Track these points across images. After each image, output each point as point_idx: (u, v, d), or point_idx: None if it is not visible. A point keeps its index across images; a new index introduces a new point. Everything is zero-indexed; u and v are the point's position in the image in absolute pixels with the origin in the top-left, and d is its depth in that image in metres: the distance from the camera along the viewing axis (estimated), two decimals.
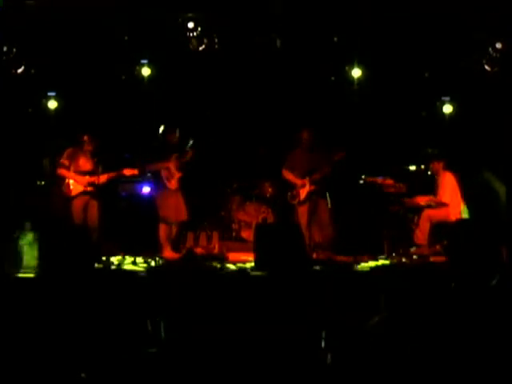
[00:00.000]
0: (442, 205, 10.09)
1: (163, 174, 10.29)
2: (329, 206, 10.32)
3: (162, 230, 10.29)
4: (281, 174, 10.98)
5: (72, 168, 10.10)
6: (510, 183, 8.33)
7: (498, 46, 10.57)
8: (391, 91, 11.93)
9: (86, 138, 10.19)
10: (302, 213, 9.90)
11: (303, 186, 10.21)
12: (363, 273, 9.11)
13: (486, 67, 10.70)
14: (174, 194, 10.31)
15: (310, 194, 10.18)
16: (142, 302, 7.14)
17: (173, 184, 10.30)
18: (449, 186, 10.12)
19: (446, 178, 10.19)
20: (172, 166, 10.30)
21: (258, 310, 8.10)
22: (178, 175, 10.32)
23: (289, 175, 10.38)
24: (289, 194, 10.48)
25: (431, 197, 10.30)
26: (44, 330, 7.21)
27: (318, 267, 9.16)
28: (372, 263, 9.72)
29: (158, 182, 10.41)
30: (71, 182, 10.15)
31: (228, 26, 10.80)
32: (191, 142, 10.37)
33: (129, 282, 8.39)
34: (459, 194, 10.17)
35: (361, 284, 8.63)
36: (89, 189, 10.09)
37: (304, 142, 10.38)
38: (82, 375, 6.17)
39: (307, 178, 10.17)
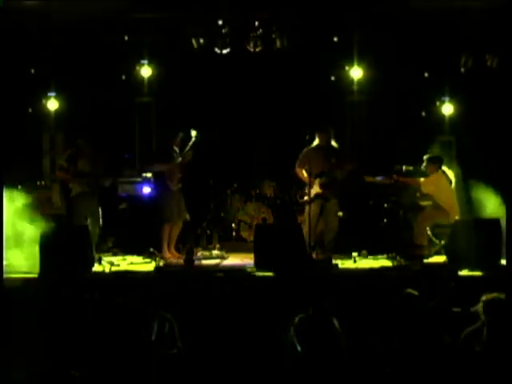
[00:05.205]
0: (420, 191, 10.08)
1: (167, 175, 10.25)
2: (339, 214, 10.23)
3: (165, 230, 10.27)
4: (284, 172, 10.99)
5: (72, 169, 10.09)
6: (510, 184, 8.32)
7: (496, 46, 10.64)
8: (391, 91, 11.93)
9: (80, 141, 10.18)
10: (311, 211, 9.79)
11: (313, 184, 10.03)
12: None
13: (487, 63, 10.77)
14: (176, 194, 10.31)
15: (317, 196, 10.08)
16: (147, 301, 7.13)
17: (175, 184, 10.29)
18: (436, 181, 10.04)
19: (436, 175, 10.10)
20: (176, 167, 10.29)
21: (258, 310, 8.11)
22: (179, 176, 10.31)
23: (301, 173, 10.22)
24: (299, 192, 10.39)
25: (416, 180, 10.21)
26: (44, 328, 7.22)
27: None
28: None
29: (159, 183, 10.37)
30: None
31: (228, 26, 10.80)
32: (194, 133, 10.29)
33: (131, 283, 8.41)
34: (453, 195, 10.13)
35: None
36: (88, 189, 10.08)
37: (321, 141, 10.21)
38: (74, 373, 6.18)
39: (317, 180, 10.05)
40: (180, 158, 10.30)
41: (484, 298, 6.45)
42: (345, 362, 6.81)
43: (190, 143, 10.27)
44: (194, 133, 10.27)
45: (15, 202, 9.27)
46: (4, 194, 8.47)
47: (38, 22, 10.46)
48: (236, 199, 11.95)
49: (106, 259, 9.95)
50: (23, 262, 8.99)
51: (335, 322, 6.99)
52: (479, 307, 6.47)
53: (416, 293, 7.04)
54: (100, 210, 10.13)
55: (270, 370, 7.26)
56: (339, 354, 6.82)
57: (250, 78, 12.24)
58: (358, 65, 11.80)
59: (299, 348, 6.74)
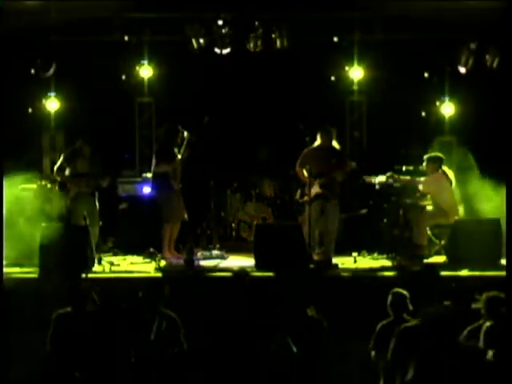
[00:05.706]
0: (420, 190, 10.11)
1: (171, 174, 10.25)
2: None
3: (166, 230, 10.27)
4: (284, 172, 10.98)
5: (70, 169, 10.11)
6: (510, 183, 8.31)
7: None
8: (391, 91, 11.93)
9: (79, 142, 10.19)
10: (311, 212, 9.77)
11: (313, 185, 9.98)
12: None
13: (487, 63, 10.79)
14: (177, 194, 10.31)
15: (317, 196, 10.04)
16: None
17: (177, 184, 10.30)
18: (436, 181, 10.05)
19: (436, 175, 10.09)
20: (178, 166, 10.30)
21: (258, 310, 8.11)
22: (180, 175, 10.33)
23: (301, 172, 10.18)
24: (299, 191, 10.38)
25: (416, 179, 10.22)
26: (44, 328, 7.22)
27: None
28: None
29: (161, 183, 10.34)
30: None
31: (228, 26, 10.81)
32: (186, 133, 10.30)
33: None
34: (453, 195, 10.12)
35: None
36: (86, 190, 10.10)
37: (322, 142, 10.17)
38: (75, 374, 6.19)
39: (317, 180, 10.01)
40: (179, 156, 10.33)
41: (485, 295, 6.47)
42: (329, 363, 6.82)
43: (185, 143, 10.29)
44: (185, 133, 10.30)
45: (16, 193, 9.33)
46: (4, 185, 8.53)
47: (38, 21, 10.46)
48: (236, 199, 11.94)
49: (105, 259, 9.95)
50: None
51: (324, 322, 6.98)
52: (480, 304, 6.48)
53: (406, 292, 7.04)
54: (98, 209, 10.13)
55: (269, 370, 7.26)
56: (325, 355, 6.83)
57: (250, 78, 12.24)
58: (358, 65, 11.80)
59: (295, 349, 6.74)
